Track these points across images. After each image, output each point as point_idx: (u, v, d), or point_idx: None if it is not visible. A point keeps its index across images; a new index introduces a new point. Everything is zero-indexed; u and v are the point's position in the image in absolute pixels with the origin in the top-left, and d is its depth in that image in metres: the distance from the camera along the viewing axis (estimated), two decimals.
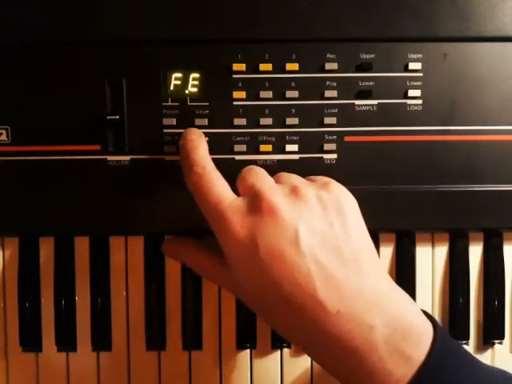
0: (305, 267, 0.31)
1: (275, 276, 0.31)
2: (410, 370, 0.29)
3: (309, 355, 0.36)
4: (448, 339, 0.32)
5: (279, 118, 0.43)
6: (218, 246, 0.35)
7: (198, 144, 0.38)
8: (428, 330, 0.31)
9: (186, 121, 0.43)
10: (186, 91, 0.43)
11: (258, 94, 0.43)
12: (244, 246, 0.32)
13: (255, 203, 0.33)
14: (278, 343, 0.45)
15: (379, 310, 0.31)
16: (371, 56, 0.42)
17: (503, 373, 0.33)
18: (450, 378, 0.30)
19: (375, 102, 0.43)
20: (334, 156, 0.43)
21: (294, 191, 0.34)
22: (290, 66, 0.42)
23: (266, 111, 0.43)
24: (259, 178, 0.35)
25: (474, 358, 0.33)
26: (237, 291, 0.37)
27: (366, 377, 0.30)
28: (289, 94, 0.42)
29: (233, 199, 0.34)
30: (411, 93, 0.43)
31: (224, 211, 0.33)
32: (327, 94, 0.42)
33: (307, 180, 0.37)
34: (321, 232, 0.32)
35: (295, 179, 0.36)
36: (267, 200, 0.32)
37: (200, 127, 0.42)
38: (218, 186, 0.35)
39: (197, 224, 0.43)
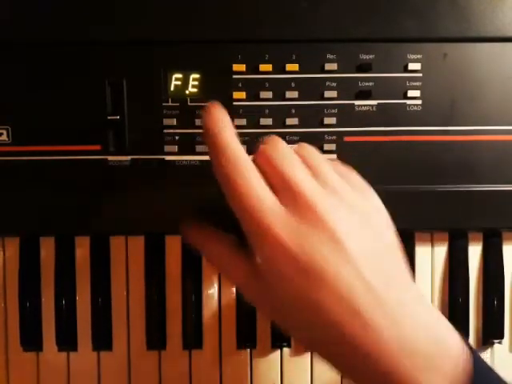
0: (348, 280, 0.29)
1: (321, 292, 0.29)
2: None
3: (337, 369, 0.33)
4: (485, 364, 0.31)
5: (279, 119, 0.43)
6: (241, 240, 0.33)
7: (225, 124, 0.33)
8: (461, 347, 0.30)
9: (187, 121, 0.43)
10: (187, 91, 0.43)
11: (258, 94, 0.43)
12: (290, 258, 0.29)
13: (305, 213, 0.30)
14: (277, 343, 0.45)
15: (423, 330, 0.29)
16: (371, 56, 0.42)
17: None
18: None
19: (375, 102, 0.43)
20: (334, 156, 0.43)
21: (339, 197, 0.32)
22: (289, 67, 0.42)
23: (266, 111, 0.43)
24: (295, 172, 0.32)
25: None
26: (261, 296, 0.33)
27: None
28: (289, 94, 0.43)
29: (272, 202, 0.31)
30: (411, 93, 0.43)
31: (268, 219, 0.30)
32: (327, 94, 0.43)
33: (337, 170, 0.35)
34: (371, 252, 0.31)
35: (332, 178, 0.33)
36: (318, 212, 0.30)
37: (200, 128, 0.42)
38: (254, 182, 0.31)
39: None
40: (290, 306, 0.31)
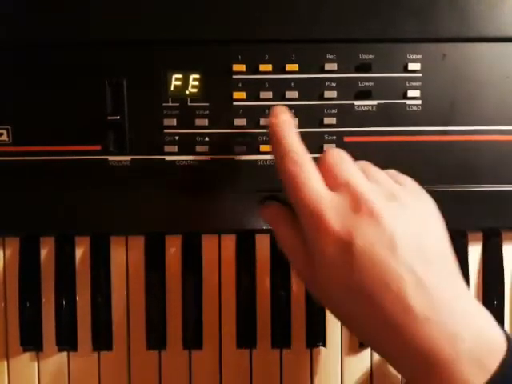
0: (398, 272, 0.31)
1: (366, 277, 0.31)
2: (483, 379, 0.29)
3: (377, 353, 0.35)
4: None
5: None
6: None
7: (292, 127, 0.36)
8: (502, 340, 0.30)
9: (187, 121, 0.43)
10: (187, 91, 0.43)
11: (258, 94, 0.43)
12: (339, 244, 0.32)
13: (355, 204, 0.32)
14: (278, 343, 0.45)
15: (466, 321, 0.30)
16: (371, 56, 0.42)
17: None
18: None
19: (375, 102, 0.43)
20: None
21: (392, 196, 0.34)
22: (289, 67, 0.42)
23: (266, 112, 0.43)
24: (352, 173, 0.34)
25: None
26: (313, 284, 0.35)
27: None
28: (288, 94, 0.43)
29: (331, 196, 0.33)
30: (410, 93, 0.43)
31: (322, 208, 0.33)
32: (327, 94, 0.43)
33: (389, 175, 0.37)
34: (415, 240, 0.32)
35: (385, 180, 0.36)
36: (368, 202, 0.32)
37: (200, 128, 0.43)
38: (315, 178, 0.34)
39: (197, 224, 0.44)
40: (336, 290, 0.33)
